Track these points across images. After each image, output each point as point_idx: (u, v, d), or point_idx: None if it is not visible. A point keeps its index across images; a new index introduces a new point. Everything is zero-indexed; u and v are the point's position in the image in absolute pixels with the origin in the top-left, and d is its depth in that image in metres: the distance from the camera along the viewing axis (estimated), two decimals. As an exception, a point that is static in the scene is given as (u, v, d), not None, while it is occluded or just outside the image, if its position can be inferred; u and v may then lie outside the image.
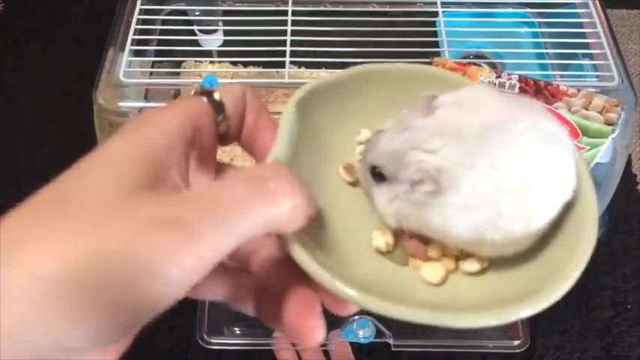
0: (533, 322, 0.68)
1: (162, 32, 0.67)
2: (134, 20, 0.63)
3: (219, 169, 0.27)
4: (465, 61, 0.65)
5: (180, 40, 0.67)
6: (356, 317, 0.64)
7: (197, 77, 0.71)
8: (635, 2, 1.01)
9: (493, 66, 0.65)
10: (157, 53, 0.69)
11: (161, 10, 0.74)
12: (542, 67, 0.68)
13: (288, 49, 0.61)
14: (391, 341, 0.65)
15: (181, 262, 0.18)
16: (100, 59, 0.60)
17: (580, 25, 0.64)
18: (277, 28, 0.63)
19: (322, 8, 0.71)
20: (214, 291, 0.26)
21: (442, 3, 0.68)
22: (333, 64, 0.63)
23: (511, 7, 0.75)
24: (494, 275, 0.27)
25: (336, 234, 0.28)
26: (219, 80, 0.57)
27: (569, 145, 0.26)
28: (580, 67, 0.63)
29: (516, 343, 0.66)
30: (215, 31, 0.73)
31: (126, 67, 0.59)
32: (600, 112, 0.53)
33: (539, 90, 0.54)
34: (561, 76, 0.63)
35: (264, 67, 0.70)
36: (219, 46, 0.74)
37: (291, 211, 0.21)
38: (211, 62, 0.78)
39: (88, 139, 0.59)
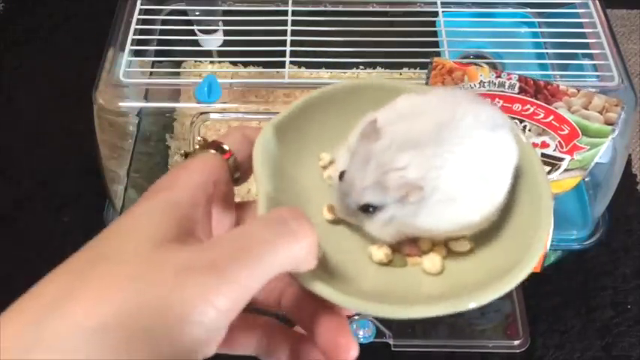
0: (533, 322, 0.68)
1: (162, 32, 0.67)
2: (134, 20, 0.63)
3: (238, 205, 0.30)
4: (465, 61, 0.64)
5: (180, 40, 0.67)
6: (356, 317, 0.64)
7: (197, 77, 0.71)
8: (635, 2, 1.01)
9: (493, 66, 0.65)
10: (157, 53, 0.70)
11: (161, 10, 0.74)
12: (542, 66, 0.68)
13: (288, 49, 0.61)
14: (391, 341, 0.65)
15: (217, 303, 0.19)
16: (100, 59, 0.60)
17: (580, 25, 0.64)
18: (277, 28, 0.63)
19: (322, 8, 0.71)
20: (247, 343, 0.27)
21: (442, 3, 0.68)
22: (333, 64, 0.63)
23: (511, 7, 0.75)
24: (482, 253, 0.30)
25: (335, 258, 0.29)
26: (219, 80, 0.57)
27: (506, 123, 0.31)
28: (580, 67, 0.63)
29: (516, 343, 0.66)
30: (215, 31, 0.73)
31: (126, 67, 0.59)
32: (600, 112, 0.53)
33: (539, 90, 0.54)
34: (561, 75, 0.63)
35: (264, 67, 0.71)
36: (219, 46, 0.74)
37: (311, 248, 0.23)
38: (211, 62, 0.78)
39: (88, 139, 0.59)
